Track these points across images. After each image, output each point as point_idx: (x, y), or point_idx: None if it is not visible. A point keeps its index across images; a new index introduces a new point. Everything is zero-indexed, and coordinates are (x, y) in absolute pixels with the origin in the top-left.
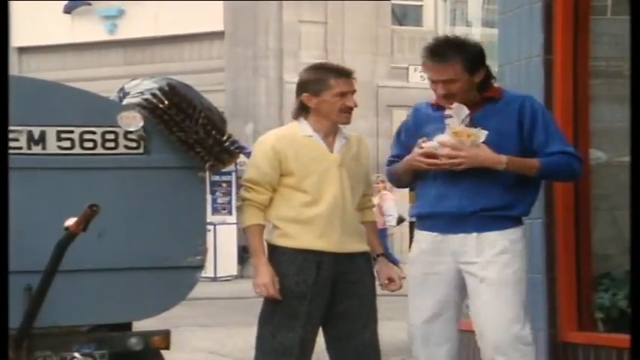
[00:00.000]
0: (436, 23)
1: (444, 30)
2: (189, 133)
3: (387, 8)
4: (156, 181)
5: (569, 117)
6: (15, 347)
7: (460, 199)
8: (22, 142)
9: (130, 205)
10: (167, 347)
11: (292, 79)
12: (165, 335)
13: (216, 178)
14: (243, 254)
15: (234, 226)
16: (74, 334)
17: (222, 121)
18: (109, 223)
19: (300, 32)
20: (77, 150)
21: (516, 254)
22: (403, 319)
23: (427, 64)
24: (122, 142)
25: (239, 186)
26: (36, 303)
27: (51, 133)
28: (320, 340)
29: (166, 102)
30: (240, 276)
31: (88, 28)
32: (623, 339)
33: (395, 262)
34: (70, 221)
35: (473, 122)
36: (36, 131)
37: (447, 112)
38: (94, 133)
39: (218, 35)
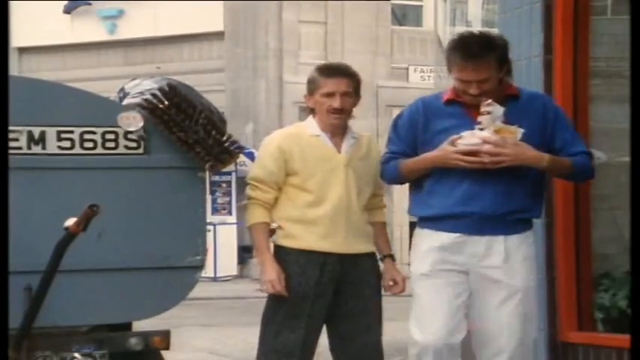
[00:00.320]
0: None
1: (444, 30)
2: (189, 133)
3: (386, 8)
4: (156, 181)
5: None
6: (15, 347)
7: (493, 199)
8: (22, 142)
9: (130, 205)
10: (167, 347)
11: (292, 79)
12: (165, 335)
13: (216, 178)
14: (243, 254)
15: (234, 226)
16: (74, 335)
17: (222, 121)
18: (108, 223)
19: (300, 32)
20: (77, 150)
21: (534, 259)
22: (404, 319)
23: (461, 64)
24: (122, 142)
25: (240, 186)
26: (36, 303)
27: (51, 133)
28: (324, 342)
29: (166, 102)
30: (240, 276)
31: (88, 28)
32: (623, 339)
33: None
34: (70, 221)
35: (507, 120)
36: (36, 131)
37: (485, 108)
38: (94, 133)
39: (218, 35)
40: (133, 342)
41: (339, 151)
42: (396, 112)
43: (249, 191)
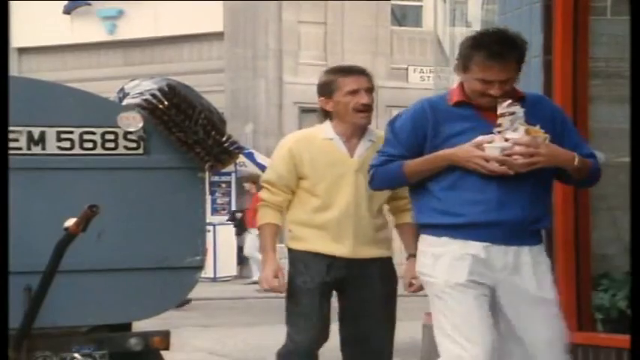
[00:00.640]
0: (436, 24)
1: (444, 30)
2: (189, 133)
3: (386, 9)
4: (155, 181)
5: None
6: (15, 347)
7: (521, 206)
8: (22, 142)
9: (130, 206)
10: (167, 347)
11: (292, 79)
12: (165, 335)
13: (216, 178)
14: (243, 255)
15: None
16: (74, 335)
17: (221, 121)
18: (108, 224)
19: (299, 33)
20: (77, 150)
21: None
22: (405, 319)
23: (485, 64)
24: (122, 142)
25: (239, 186)
26: (36, 303)
27: (51, 133)
28: (329, 344)
29: (166, 103)
30: (240, 276)
31: (87, 29)
32: (622, 339)
33: None
34: (70, 222)
35: (528, 121)
36: (36, 131)
37: (507, 109)
38: (93, 133)
39: (218, 36)
40: (133, 342)
41: (351, 156)
42: (395, 112)
43: (261, 193)
